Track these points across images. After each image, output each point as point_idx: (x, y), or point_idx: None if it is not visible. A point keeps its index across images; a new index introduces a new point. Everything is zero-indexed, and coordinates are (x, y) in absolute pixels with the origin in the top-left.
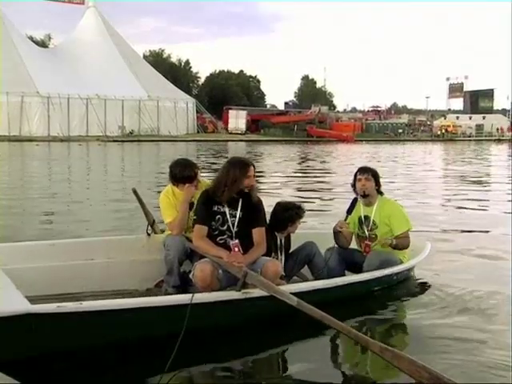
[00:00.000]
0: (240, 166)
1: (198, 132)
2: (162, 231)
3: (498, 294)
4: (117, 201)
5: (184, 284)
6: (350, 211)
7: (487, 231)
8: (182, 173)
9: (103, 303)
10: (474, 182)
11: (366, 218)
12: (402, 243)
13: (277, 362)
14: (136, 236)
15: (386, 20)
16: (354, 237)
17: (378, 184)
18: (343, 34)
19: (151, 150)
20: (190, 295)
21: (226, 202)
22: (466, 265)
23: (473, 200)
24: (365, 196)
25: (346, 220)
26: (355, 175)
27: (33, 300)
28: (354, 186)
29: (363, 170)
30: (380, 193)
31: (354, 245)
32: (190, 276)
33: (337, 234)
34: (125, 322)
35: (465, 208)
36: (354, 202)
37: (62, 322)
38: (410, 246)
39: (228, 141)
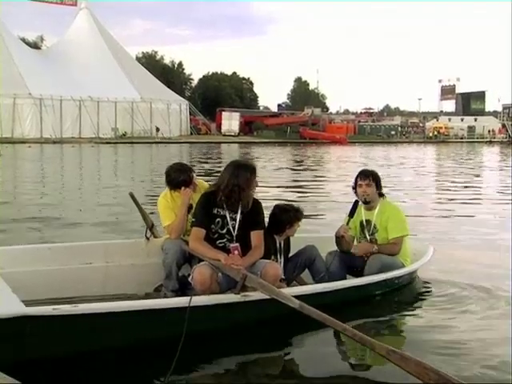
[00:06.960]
0: (250, 170)
1: (192, 134)
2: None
3: (499, 296)
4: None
5: (183, 288)
6: (351, 214)
7: (488, 235)
8: (178, 178)
9: (99, 306)
10: (474, 184)
11: (368, 222)
12: (388, 249)
13: (277, 366)
14: (135, 240)
15: (378, 22)
16: (355, 241)
17: (378, 187)
18: (336, 36)
19: (144, 152)
20: (188, 298)
21: (227, 205)
22: (467, 268)
23: (473, 202)
24: (366, 203)
25: (347, 223)
26: (356, 179)
27: (30, 304)
28: (354, 188)
29: (364, 175)
30: (381, 195)
31: None
32: (189, 279)
33: (339, 238)
34: (121, 325)
35: (465, 211)
36: (355, 205)
37: (57, 325)
38: (413, 250)
39: (221, 143)
